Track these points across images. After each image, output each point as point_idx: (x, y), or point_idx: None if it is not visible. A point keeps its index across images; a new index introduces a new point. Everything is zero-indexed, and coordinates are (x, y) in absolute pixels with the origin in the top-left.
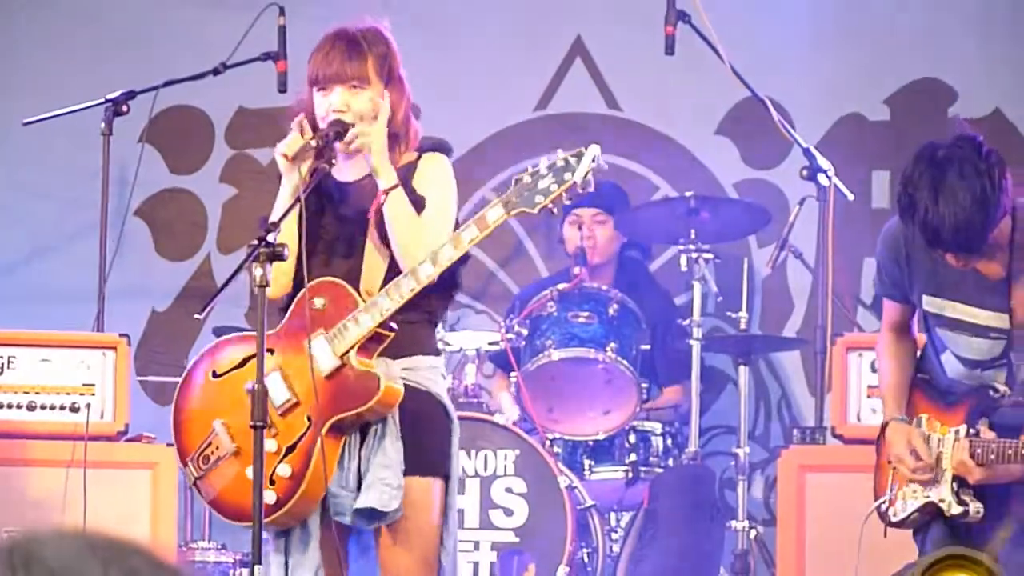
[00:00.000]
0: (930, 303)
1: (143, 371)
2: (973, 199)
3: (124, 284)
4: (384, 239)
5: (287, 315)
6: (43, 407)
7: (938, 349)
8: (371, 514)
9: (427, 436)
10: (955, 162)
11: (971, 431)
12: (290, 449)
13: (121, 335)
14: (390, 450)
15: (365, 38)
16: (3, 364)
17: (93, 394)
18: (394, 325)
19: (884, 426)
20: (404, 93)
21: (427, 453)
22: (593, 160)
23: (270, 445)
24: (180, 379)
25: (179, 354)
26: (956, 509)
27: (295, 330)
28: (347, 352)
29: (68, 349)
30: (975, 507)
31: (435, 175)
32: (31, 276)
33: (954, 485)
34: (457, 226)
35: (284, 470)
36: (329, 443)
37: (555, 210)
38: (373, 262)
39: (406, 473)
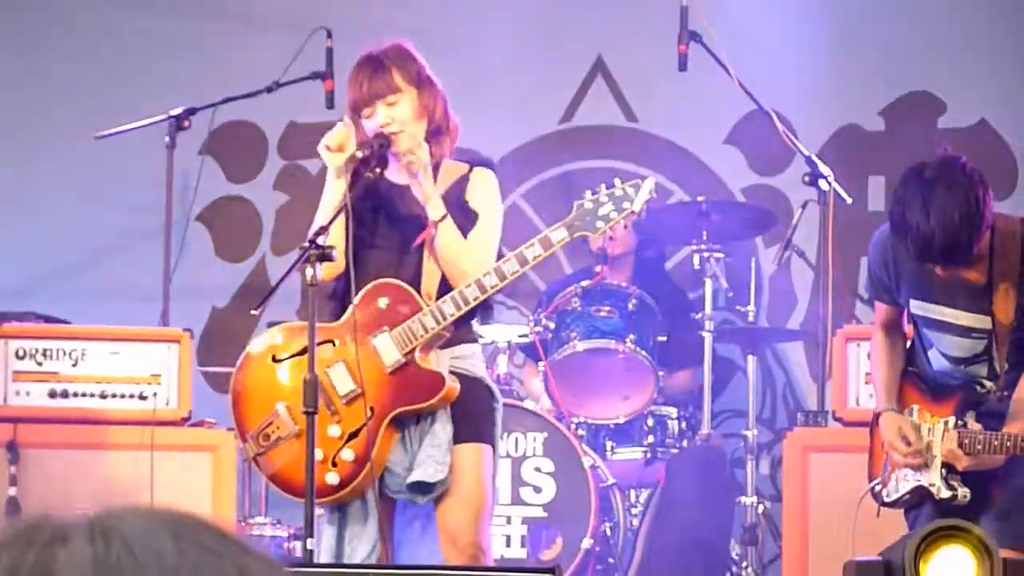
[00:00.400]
0: (917, 307)
1: (204, 362)
2: (960, 215)
3: (187, 283)
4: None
5: (350, 310)
6: (114, 396)
7: (925, 346)
8: (421, 487)
9: (475, 412)
10: (942, 182)
11: (959, 422)
12: (352, 435)
13: (184, 330)
14: (440, 432)
15: (386, 55)
16: (77, 357)
17: (159, 384)
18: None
19: (877, 416)
20: (437, 92)
21: (476, 424)
22: (649, 192)
23: (334, 431)
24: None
25: (237, 347)
26: (945, 493)
27: (358, 325)
28: (412, 351)
29: (136, 343)
30: (963, 492)
31: (486, 191)
32: (102, 277)
33: (943, 471)
34: None
35: (347, 454)
36: (388, 431)
37: (611, 234)
38: (431, 266)
39: (458, 441)
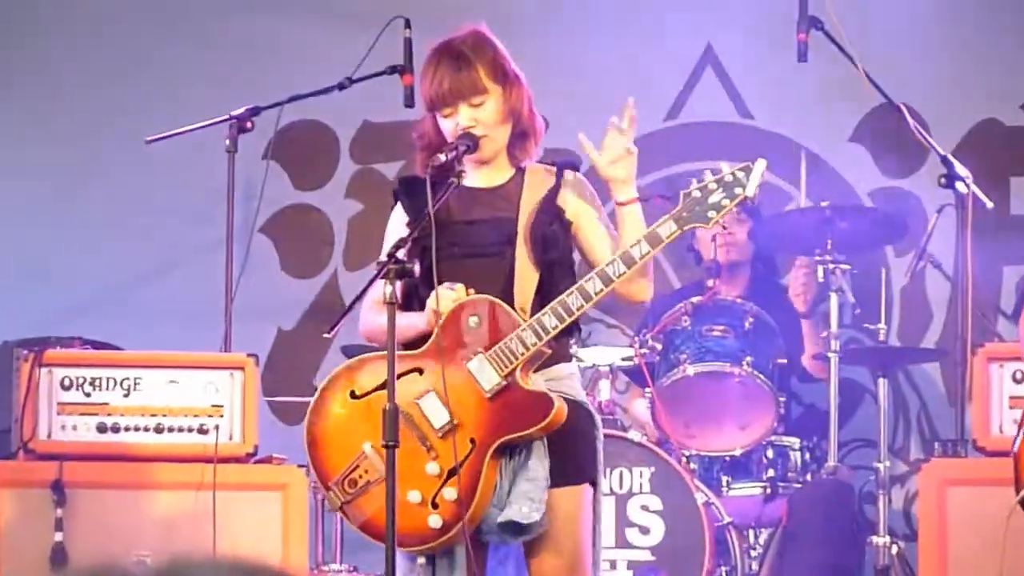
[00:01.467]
0: None
1: (271, 391)
2: None
3: (250, 303)
4: (535, 254)
5: (436, 333)
6: (171, 429)
7: None
8: (513, 527)
9: (577, 445)
10: None
11: None
12: (452, 472)
13: (249, 355)
14: (536, 467)
15: (468, 46)
16: (129, 386)
17: (221, 415)
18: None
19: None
20: (523, 90)
21: (577, 461)
22: (762, 175)
23: (432, 468)
24: (312, 399)
25: (307, 374)
26: None
27: (447, 349)
28: (512, 371)
29: (195, 370)
30: None
31: (587, 195)
32: (158, 294)
33: None
34: None
35: (450, 494)
36: (492, 464)
37: (725, 224)
38: (525, 276)
39: (556, 484)
